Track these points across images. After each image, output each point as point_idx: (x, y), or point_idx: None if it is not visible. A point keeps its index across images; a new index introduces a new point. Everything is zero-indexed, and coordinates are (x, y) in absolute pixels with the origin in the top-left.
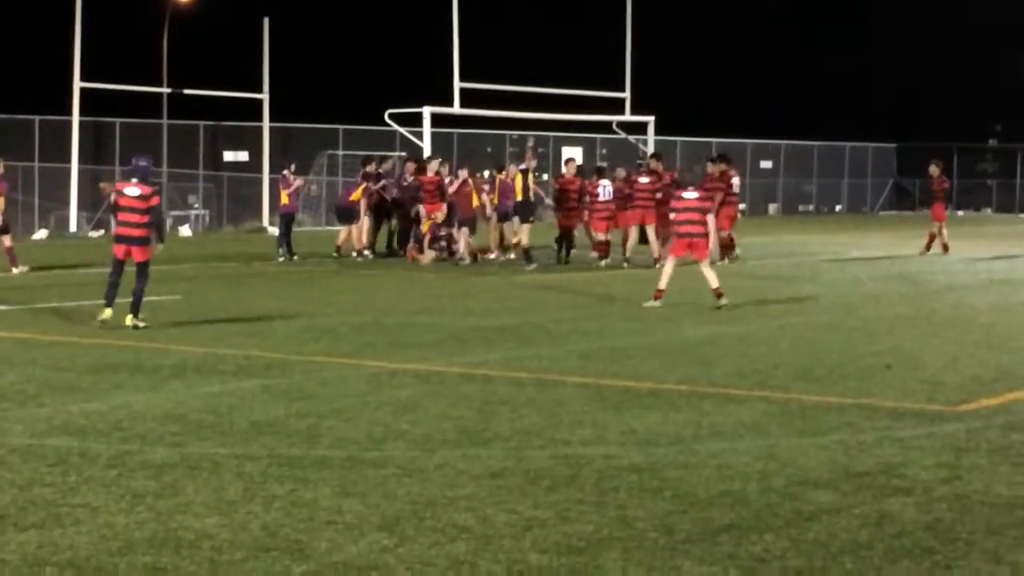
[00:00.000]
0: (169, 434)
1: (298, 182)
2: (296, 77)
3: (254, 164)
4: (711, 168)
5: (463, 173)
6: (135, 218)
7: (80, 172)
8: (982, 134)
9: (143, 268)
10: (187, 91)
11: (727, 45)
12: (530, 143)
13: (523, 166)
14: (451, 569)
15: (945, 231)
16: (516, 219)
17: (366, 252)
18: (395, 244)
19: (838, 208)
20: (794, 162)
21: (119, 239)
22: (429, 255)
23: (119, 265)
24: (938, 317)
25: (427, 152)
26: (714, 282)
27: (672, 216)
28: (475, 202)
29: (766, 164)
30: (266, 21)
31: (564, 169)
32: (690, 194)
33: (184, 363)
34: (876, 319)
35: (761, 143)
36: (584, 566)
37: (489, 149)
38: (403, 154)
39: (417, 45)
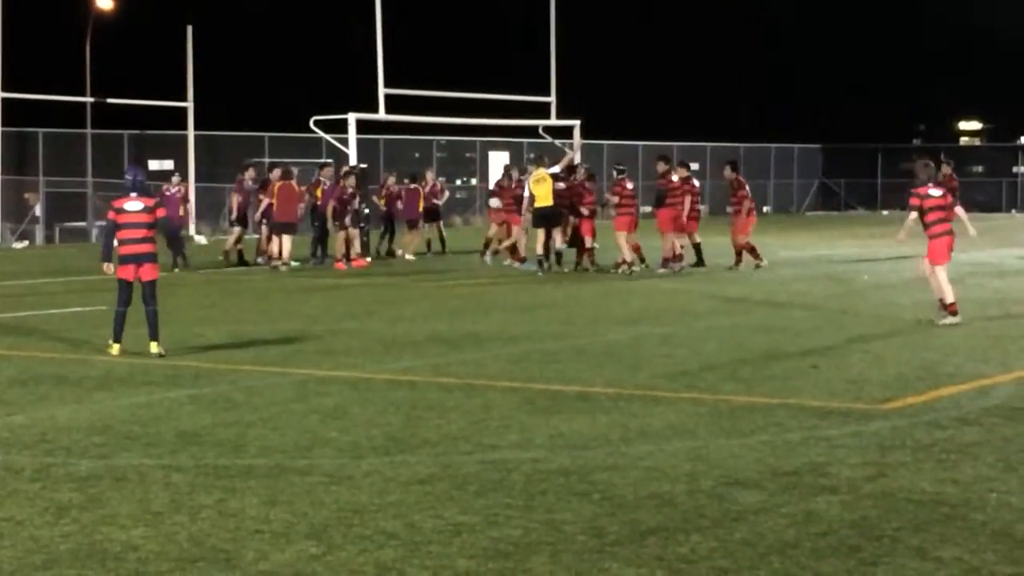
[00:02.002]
0: (94, 446)
1: (174, 190)
2: (220, 85)
3: (179, 173)
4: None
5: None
6: (141, 233)
7: (3, 183)
8: (906, 134)
9: (152, 288)
10: (111, 100)
11: (652, 49)
12: (572, 150)
13: (554, 169)
14: None
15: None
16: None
17: (259, 260)
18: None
19: (765, 209)
20: (721, 164)
21: (126, 259)
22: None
23: (127, 290)
24: (864, 316)
25: (352, 159)
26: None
27: (928, 217)
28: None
29: (693, 166)
30: (189, 29)
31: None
32: (936, 191)
33: (110, 374)
34: (803, 319)
35: (687, 145)
36: (512, 570)
37: (417, 154)
38: (330, 160)
39: (342, 52)
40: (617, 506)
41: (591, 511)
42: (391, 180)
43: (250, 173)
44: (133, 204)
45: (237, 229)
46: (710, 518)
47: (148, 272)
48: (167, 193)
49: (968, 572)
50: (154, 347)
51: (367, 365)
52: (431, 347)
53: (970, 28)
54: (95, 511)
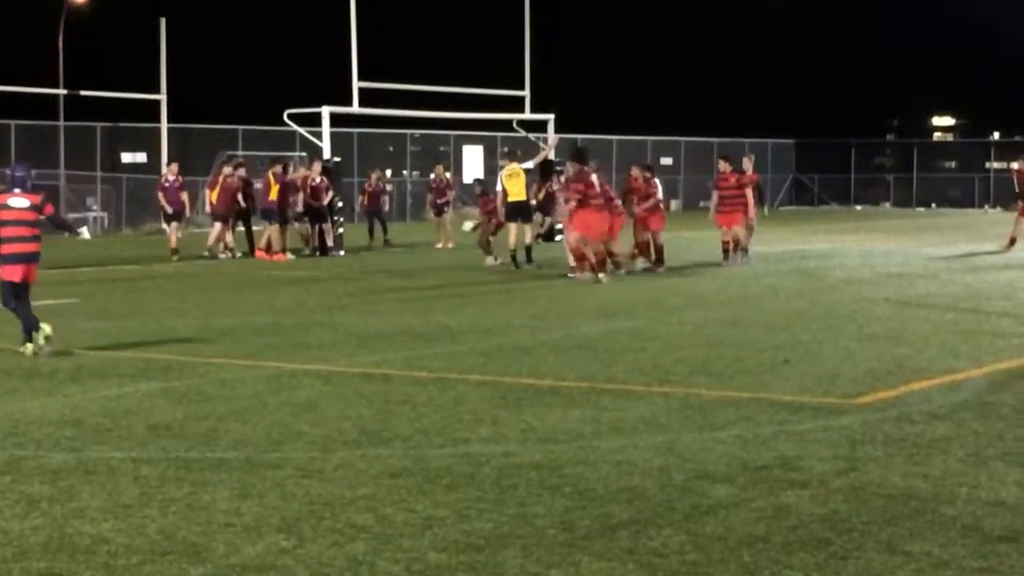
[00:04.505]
0: (65, 439)
1: (172, 179)
2: (194, 78)
3: (153, 165)
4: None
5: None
6: (27, 231)
7: None
8: (879, 130)
9: (29, 290)
10: (84, 92)
11: (626, 42)
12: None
13: (526, 164)
14: (349, 569)
15: None
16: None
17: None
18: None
19: None
20: (694, 158)
21: (14, 258)
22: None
23: (18, 291)
24: (836, 311)
25: (327, 153)
26: None
27: None
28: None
29: (667, 160)
30: (163, 21)
31: (721, 167)
32: None
33: (81, 367)
34: (774, 313)
35: (661, 140)
36: (483, 564)
37: (391, 148)
38: (303, 154)
39: (316, 45)
40: (588, 500)
41: (562, 505)
42: (375, 176)
43: (172, 168)
44: (17, 201)
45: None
46: (681, 512)
47: (33, 274)
48: (165, 184)
49: (937, 566)
50: (30, 349)
51: (339, 358)
52: (404, 341)
53: (944, 23)
54: (65, 504)
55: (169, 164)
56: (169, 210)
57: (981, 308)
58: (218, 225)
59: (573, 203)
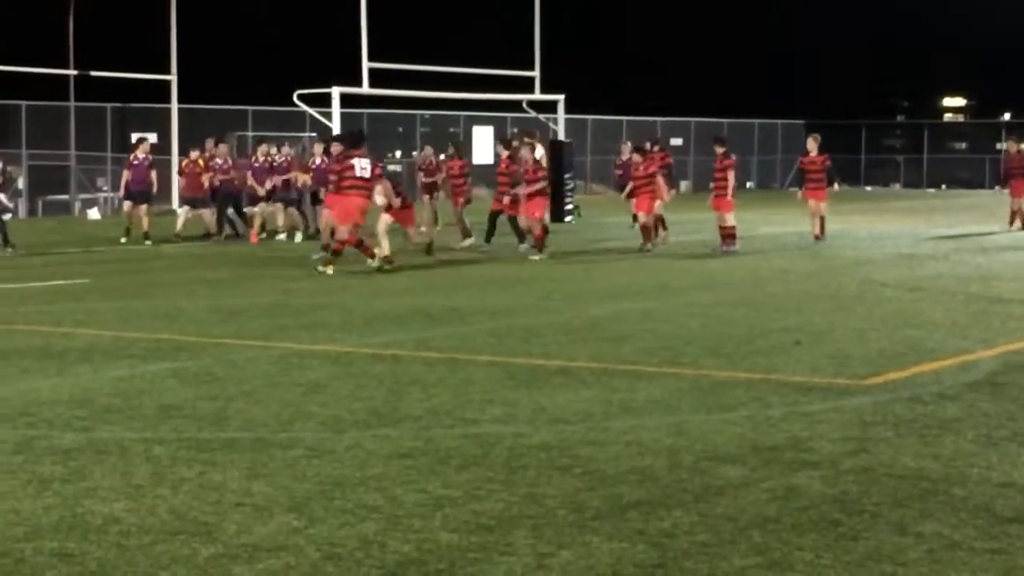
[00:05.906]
0: (76, 419)
1: (143, 157)
2: (204, 58)
3: (162, 146)
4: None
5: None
6: None
7: None
8: (889, 110)
9: None
10: (94, 73)
11: (636, 23)
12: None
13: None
14: (360, 549)
15: None
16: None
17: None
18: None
19: (748, 184)
20: (704, 139)
21: None
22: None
23: None
24: (846, 292)
25: (336, 133)
26: None
27: None
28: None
29: (676, 141)
30: (173, 2)
31: (809, 146)
32: None
33: (92, 347)
34: (785, 295)
35: (671, 120)
36: (494, 544)
37: (400, 129)
38: (313, 134)
39: (326, 25)
40: (598, 480)
41: (572, 485)
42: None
43: (143, 147)
44: None
45: (127, 204)
46: (691, 493)
47: None
48: (134, 163)
49: (948, 547)
50: None
51: (348, 339)
52: (413, 321)
53: (955, 3)
54: (77, 484)
55: (138, 143)
56: (122, 192)
57: (992, 289)
58: (205, 211)
59: (332, 185)
